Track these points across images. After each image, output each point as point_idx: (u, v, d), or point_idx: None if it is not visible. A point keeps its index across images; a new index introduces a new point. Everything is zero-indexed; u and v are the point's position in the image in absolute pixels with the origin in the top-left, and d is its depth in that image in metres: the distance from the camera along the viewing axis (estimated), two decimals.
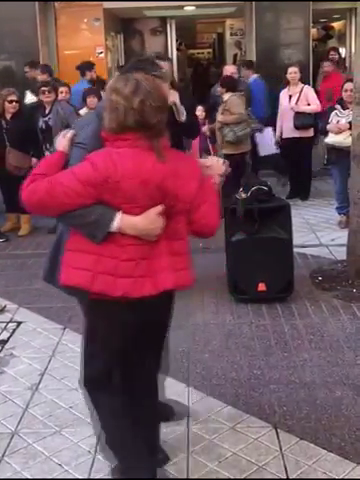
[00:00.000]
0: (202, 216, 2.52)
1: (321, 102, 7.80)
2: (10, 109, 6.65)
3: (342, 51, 12.31)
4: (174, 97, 4.46)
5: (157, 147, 2.36)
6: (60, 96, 7.15)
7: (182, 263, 2.51)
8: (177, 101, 4.48)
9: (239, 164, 7.05)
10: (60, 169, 2.45)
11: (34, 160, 6.72)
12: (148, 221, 2.37)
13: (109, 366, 2.59)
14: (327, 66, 8.99)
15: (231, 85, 7.40)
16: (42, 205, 2.39)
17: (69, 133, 2.56)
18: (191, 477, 2.79)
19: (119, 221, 2.35)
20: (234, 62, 13.86)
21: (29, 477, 2.84)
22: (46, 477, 2.84)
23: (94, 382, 2.60)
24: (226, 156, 6.56)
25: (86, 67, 8.47)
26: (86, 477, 2.83)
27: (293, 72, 7.78)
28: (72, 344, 4.09)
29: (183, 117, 4.50)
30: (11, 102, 6.63)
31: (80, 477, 2.84)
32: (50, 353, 4.02)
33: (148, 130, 2.35)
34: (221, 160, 2.77)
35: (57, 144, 2.55)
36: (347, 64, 10.91)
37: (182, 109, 4.49)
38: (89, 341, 2.60)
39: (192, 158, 2.56)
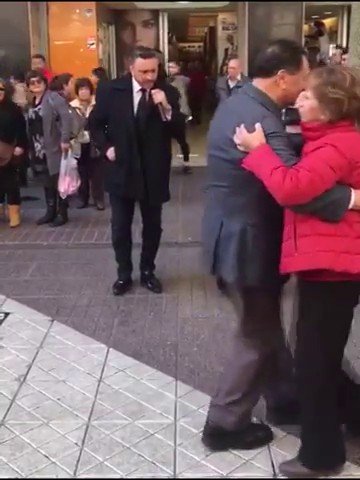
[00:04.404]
0: None
1: None
2: None
3: (331, 47, 12.35)
4: (161, 97, 4.31)
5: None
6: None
7: None
8: (164, 101, 4.32)
9: None
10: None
11: (18, 149, 6.62)
12: None
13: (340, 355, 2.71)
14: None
15: None
16: (303, 195, 2.45)
17: (259, 126, 2.54)
18: (178, 470, 2.80)
19: (355, 197, 2.49)
20: (225, 56, 13.87)
21: (16, 469, 2.83)
22: (32, 469, 2.83)
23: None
24: None
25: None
26: (73, 469, 2.83)
27: None
28: (60, 336, 4.08)
29: (169, 116, 4.37)
30: None
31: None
32: (38, 345, 4.00)
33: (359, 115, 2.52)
34: None
35: (249, 140, 2.52)
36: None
37: (169, 107, 4.36)
38: (327, 335, 2.62)
39: None
